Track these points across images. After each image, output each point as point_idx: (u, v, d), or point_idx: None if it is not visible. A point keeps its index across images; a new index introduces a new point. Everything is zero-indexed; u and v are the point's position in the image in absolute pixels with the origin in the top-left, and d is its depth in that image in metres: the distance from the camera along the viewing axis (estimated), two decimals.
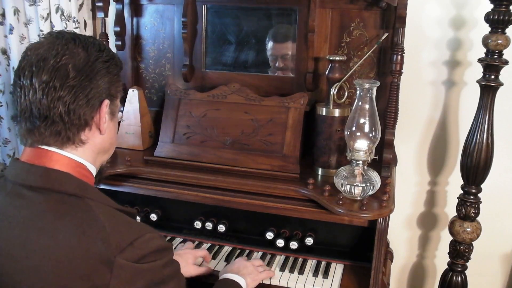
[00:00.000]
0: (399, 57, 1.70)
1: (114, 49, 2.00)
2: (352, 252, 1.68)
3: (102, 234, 0.98)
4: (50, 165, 1.04)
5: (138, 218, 1.78)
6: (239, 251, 1.74)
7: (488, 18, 1.67)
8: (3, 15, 2.03)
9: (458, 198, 1.93)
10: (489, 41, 1.68)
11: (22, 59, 1.04)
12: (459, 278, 2.00)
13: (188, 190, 1.73)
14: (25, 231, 0.99)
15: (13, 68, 2.07)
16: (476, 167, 1.82)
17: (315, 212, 1.61)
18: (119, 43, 2.04)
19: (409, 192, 2.20)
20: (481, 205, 1.90)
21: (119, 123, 1.29)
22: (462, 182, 1.91)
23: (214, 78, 2.06)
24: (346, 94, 1.76)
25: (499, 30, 1.67)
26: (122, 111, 1.95)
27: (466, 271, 2.01)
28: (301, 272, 1.62)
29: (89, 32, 2.23)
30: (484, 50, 1.72)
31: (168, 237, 1.79)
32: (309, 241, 1.67)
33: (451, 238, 1.98)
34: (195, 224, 1.75)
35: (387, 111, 1.76)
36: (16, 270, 0.98)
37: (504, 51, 1.70)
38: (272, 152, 1.78)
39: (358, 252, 1.66)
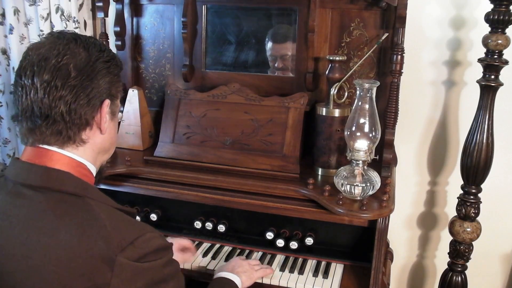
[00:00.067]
0: (399, 57, 1.71)
1: (114, 49, 2.00)
2: (352, 252, 1.68)
3: (103, 233, 0.98)
4: (51, 164, 1.05)
5: (138, 218, 1.78)
6: (239, 251, 1.74)
7: (488, 18, 1.67)
8: (3, 15, 2.03)
9: (458, 198, 1.93)
10: (489, 41, 1.68)
11: (24, 59, 1.04)
12: (459, 278, 2.00)
13: (188, 190, 1.73)
14: (26, 231, 0.99)
15: (13, 68, 2.07)
16: (476, 167, 1.82)
17: (315, 212, 1.61)
18: (119, 43, 2.04)
19: (409, 192, 2.20)
20: (481, 205, 1.90)
21: (119, 123, 1.29)
22: (462, 182, 1.91)
23: (214, 78, 2.06)
24: (346, 94, 1.76)
25: (499, 30, 1.67)
26: (122, 111, 1.95)
27: (466, 271, 2.02)
28: (301, 272, 1.62)
29: (89, 32, 2.23)
30: (484, 50, 1.72)
31: (168, 237, 1.79)
32: (309, 241, 1.67)
33: (451, 238, 1.98)
34: (195, 224, 1.75)
35: (387, 111, 1.76)
36: (17, 270, 0.98)
37: (504, 51, 1.70)
38: (272, 152, 1.78)
39: (358, 252, 1.66)
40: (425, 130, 2.11)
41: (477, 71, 1.79)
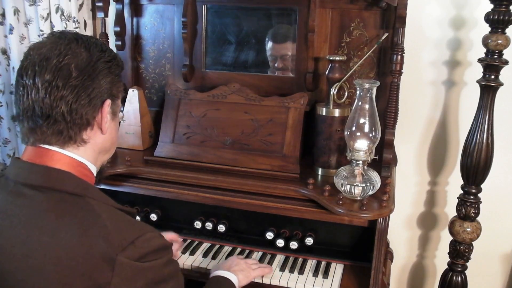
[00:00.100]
0: (399, 57, 1.71)
1: (114, 49, 1.99)
2: (352, 252, 1.68)
3: (104, 233, 0.98)
4: (51, 164, 1.05)
5: (138, 218, 1.78)
6: (239, 251, 1.74)
7: (488, 18, 1.67)
8: (3, 15, 2.03)
9: (458, 198, 1.93)
10: (489, 41, 1.68)
11: (25, 59, 1.05)
12: (459, 278, 2.01)
13: (188, 190, 1.73)
14: (27, 230, 0.99)
15: (13, 68, 2.07)
16: (476, 167, 1.82)
17: (315, 212, 1.61)
18: (119, 43, 2.04)
19: (409, 192, 2.20)
20: (481, 205, 1.90)
21: (120, 123, 1.30)
22: (462, 182, 1.91)
23: (214, 78, 2.06)
24: (346, 94, 1.76)
25: (499, 30, 1.67)
26: (122, 111, 1.95)
27: (466, 271, 2.02)
28: (301, 272, 1.62)
29: (89, 32, 2.23)
30: (484, 50, 1.72)
31: None
32: (309, 241, 1.67)
33: (451, 238, 1.98)
34: (195, 224, 1.75)
35: (387, 111, 1.76)
36: (18, 269, 0.98)
37: (504, 51, 1.70)
38: (272, 152, 1.78)
39: (358, 252, 1.66)
40: (425, 130, 2.11)
41: (477, 71, 1.79)
